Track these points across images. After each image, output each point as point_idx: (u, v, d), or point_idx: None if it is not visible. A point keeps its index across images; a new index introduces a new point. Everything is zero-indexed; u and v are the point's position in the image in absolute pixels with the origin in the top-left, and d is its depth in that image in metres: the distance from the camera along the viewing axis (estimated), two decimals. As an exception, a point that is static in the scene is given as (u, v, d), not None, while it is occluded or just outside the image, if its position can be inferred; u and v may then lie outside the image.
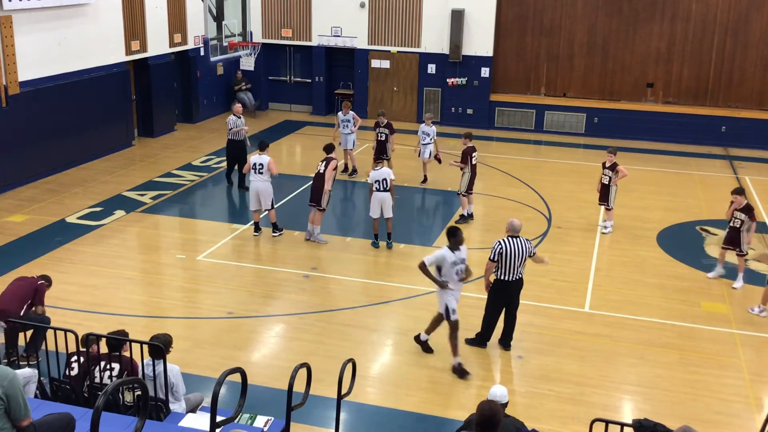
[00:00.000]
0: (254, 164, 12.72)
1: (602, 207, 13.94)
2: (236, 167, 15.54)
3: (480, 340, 9.48)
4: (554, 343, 9.67)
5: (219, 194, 16.08)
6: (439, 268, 8.81)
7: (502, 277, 9.07)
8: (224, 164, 16.42)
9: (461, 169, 13.77)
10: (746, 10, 20.40)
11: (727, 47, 20.72)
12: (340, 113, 16.83)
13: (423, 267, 8.79)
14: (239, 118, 15.37)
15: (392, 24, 22.10)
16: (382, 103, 22.41)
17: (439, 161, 15.93)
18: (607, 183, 13.49)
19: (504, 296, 9.20)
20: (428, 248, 12.87)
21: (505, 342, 9.45)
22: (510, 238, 9.04)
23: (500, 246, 8.97)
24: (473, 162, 13.77)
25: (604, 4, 21.22)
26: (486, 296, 9.38)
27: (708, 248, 13.05)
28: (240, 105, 16.09)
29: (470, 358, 9.26)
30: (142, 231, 13.34)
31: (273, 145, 14.83)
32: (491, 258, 9.01)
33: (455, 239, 8.76)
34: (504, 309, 9.31)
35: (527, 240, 9.17)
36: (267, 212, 13.02)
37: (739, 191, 11.47)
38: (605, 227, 13.76)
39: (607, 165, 13.54)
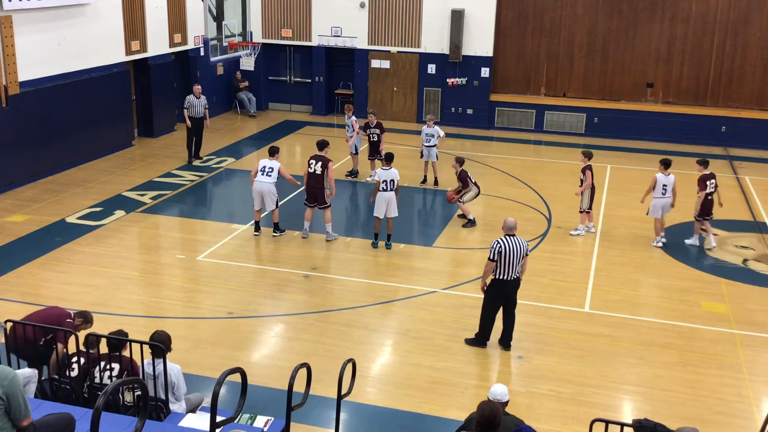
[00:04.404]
0: (263, 167, 12.71)
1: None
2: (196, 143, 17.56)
3: (479, 341, 9.48)
4: (554, 343, 9.67)
5: (219, 194, 16.10)
6: None
7: (500, 277, 9.06)
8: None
9: (468, 190, 13.86)
10: (746, 10, 20.39)
11: (727, 47, 20.71)
12: (346, 117, 16.90)
13: None
14: (198, 99, 17.14)
15: (392, 24, 22.10)
16: (382, 104, 22.41)
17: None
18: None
19: (501, 295, 9.19)
20: (428, 248, 12.89)
21: (505, 342, 9.45)
22: (507, 237, 9.05)
23: (499, 245, 8.97)
24: (473, 180, 13.95)
25: (604, 4, 21.21)
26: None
27: (708, 248, 13.04)
28: (199, 87, 17.48)
29: (470, 358, 9.27)
30: (142, 231, 13.34)
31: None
32: (491, 258, 9.00)
33: None
34: (502, 309, 9.32)
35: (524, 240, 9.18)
36: (269, 212, 13.02)
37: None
38: (579, 231, 13.50)
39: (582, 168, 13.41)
